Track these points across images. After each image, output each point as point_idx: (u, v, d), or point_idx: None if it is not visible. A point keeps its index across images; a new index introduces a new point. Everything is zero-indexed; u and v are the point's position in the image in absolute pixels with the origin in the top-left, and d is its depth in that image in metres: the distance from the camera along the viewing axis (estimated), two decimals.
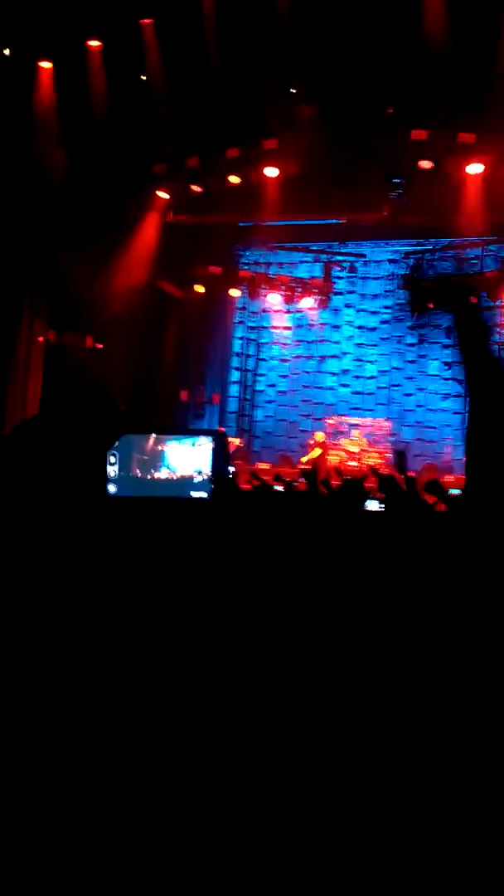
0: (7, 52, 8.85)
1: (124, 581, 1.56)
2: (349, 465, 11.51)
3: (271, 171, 9.86)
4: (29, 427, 1.72)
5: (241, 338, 13.39)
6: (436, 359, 12.00)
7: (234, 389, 13.35)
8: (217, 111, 9.15)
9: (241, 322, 13.37)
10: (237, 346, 13.39)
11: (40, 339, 10.50)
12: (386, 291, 12.58)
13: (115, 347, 10.83)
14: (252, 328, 13.35)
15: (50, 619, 1.37)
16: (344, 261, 12.34)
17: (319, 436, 11.59)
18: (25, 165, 9.11)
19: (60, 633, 1.37)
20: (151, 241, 10.95)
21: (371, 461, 11.42)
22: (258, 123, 9.18)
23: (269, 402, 13.35)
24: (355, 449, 11.87)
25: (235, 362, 13.39)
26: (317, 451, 11.23)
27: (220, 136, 9.47)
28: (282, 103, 8.95)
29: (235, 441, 11.78)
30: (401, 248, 12.12)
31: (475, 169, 9.24)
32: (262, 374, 13.42)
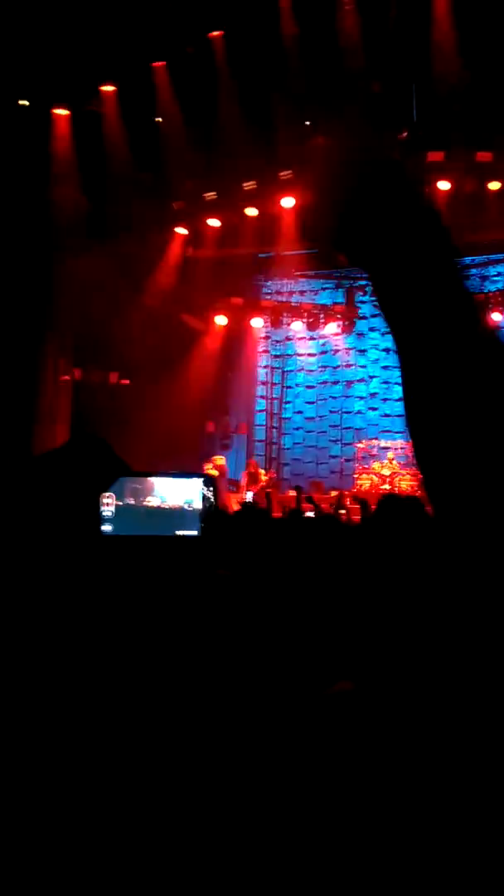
0: (25, 102, 9.04)
1: (121, 619, 1.57)
2: (382, 489, 11.37)
3: (287, 202, 9.90)
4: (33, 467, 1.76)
5: (265, 366, 13.41)
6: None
7: (260, 418, 13.34)
8: (232, 145, 9.24)
9: (265, 351, 13.39)
10: (262, 375, 13.40)
11: (65, 378, 10.60)
12: None
13: (141, 382, 10.90)
14: (276, 356, 13.36)
15: (46, 651, 1.37)
16: (366, 285, 12.31)
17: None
18: (45, 209, 9.27)
19: (56, 666, 1.36)
20: (172, 276, 11.04)
21: (404, 484, 11.28)
22: (273, 156, 9.25)
23: (297, 428, 13.30)
24: (387, 472, 11.73)
25: (261, 391, 13.39)
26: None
27: (235, 170, 9.56)
28: (296, 135, 9.01)
29: (262, 473, 11.74)
30: None
31: (494, 186, 9.17)
32: (288, 402, 13.40)
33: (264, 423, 13.33)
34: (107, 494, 1.57)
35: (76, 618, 1.44)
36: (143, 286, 10.65)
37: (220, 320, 12.28)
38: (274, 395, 13.39)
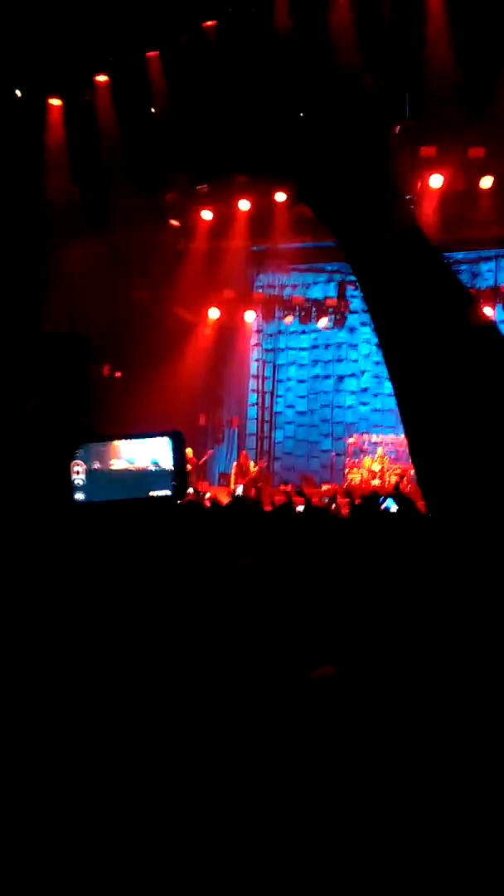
0: (18, 93, 9.02)
1: (104, 589, 1.57)
2: (372, 484, 11.41)
3: (280, 196, 9.91)
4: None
5: (257, 360, 13.43)
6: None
7: (252, 412, 13.35)
8: (225, 137, 9.24)
9: (257, 345, 13.41)
10: (254, 368, 13.42)
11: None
12: None
13: (134, 375, 10.89)
14: (268, 350, 13.38)
15: (24, 629, 1.37)
16: None
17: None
18: (38, 200, 9.25)
19: (40, 644, 1.36)
20: (165, 269, 11.04)
21: (394, 479, 11.32)
22: (266, 148, 9.25)
23: (289, 423, 13.32)
24: (378, 467, 11.77)
25: (253, 385, 13.41)
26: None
27: (228, 162, 9.56)
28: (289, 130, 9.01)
29: (252, 465, 11.76)
30: None
31: (486, 182, 9.21)
32: (280, 396, 13.42)
33: (256, 416, 13.35)
34: (76, 461, 1.58)
35: (61, 593, 1.43)
36: (135, 278, 10.64)
37: (213, 313, 12.29)
38: (266, 389, 13.41)
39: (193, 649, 1.61)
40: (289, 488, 10.91)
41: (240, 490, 10.68)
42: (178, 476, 1.51)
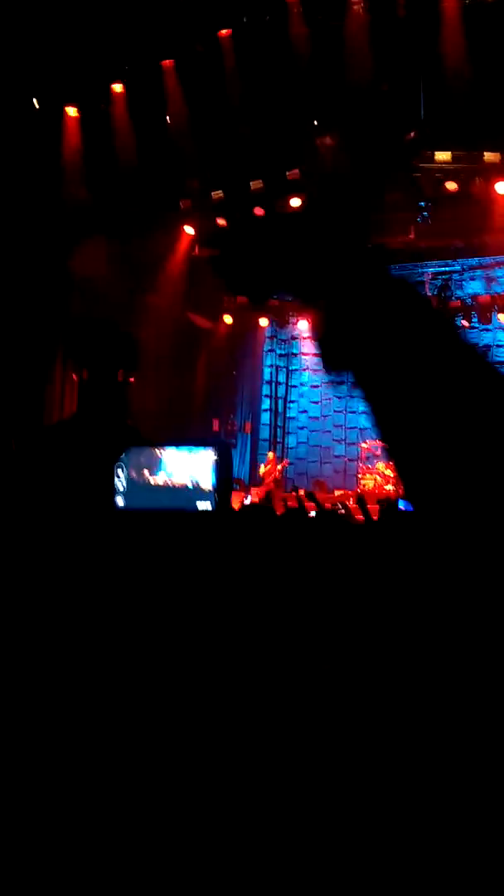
0: (35, 102, 9.09)
1: (134, 595, 1.56)
2: (385, 489, 11.38)
3: (295, 202, 9.92)
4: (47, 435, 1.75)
5: (270, 366, 13.44)
6: None
7: (265, 417, 13.36)
8: (239, 145, 9.27)
9: (270, 350, 13.42)
10: (267, 374, 13.43)
11: (74, 376, 10.60)
12: None
13: (148, 381, 10.91)
14: (282, 355, 13.39)
15: (54, 628, 1.37)
16: None
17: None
18: (56, 209, 9.31)
19: (64, 643, 1.36)
20: (179, 275, 11.08)
21: None
22: (281, 155, 9.28)
23: (301, 428, 13.32)
24: (391, 472, 11.74)
25: (266, 390, 13.42)
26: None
27: (243, 170, 9.59)
28: (304, 134, 9.04)
29: (269, 459, 11.79)
30: (428, 270, 12.08)
31: (502, 188, 9.19)
32: (293, 401, 13.43)
33: (269, 422, 13.35)
34: (119, 465, 1.57)
35: (91, 593, 1.43)
36: (150, 285, 10.68)
37: (227, 319, 12.31)
38: (279, 395, 13.42)
39: (199, 649, 1.61)
40: (301, 493, 10.90)
41: (248, 500, 10.71)
42: (221, 491, 1.50)
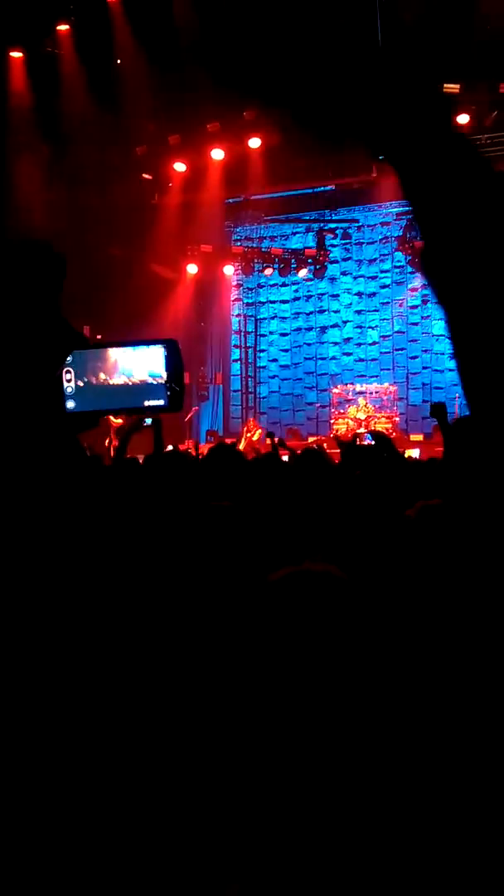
0: None
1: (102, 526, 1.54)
2: (358, 433, 11.46)
3: (254, 142, 9.71)
4: None
5: (238, 315, 13.31)
6: (440, 319, 11.86)
7: (235, 368, 13.29)
8: (195, 86, 8.99)
9: (237, 299, 13.27)
10: (235, 323, 13.31)
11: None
12: (382, 255, 12.44)
13: (114, 335, 10.77)
14: (249, 304, 13.26)
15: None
16: (336, 228, 12.19)
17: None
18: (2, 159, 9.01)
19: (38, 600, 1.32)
20: (139, 225, 10.84)
21: (380, 427, 11.37)
22: (238, 95, 9.02)
23: (272, 377, 13.29)
24: (362, 416, 11.81)
25: (235, 340, 13.32)
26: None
27: (199, 111, 9.32)
28: (260, 74, 8.78)
29: (249, 426, 11.68)
30: (392, 210, 11.96)
31: (461, 119, 9.05)
32: (262, 350, 13.35)
33: (240, 372, 13.29)
34: (66, 369, 1.55)
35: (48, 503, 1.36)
36: (109, 236, 10.46)
37: (191, 269, 12.13)
38: (248, 344, 13.33)
39: (169, 598, 1.59)
40: (275, 440, 10.92)
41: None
42: (174, 386, 1.48)
